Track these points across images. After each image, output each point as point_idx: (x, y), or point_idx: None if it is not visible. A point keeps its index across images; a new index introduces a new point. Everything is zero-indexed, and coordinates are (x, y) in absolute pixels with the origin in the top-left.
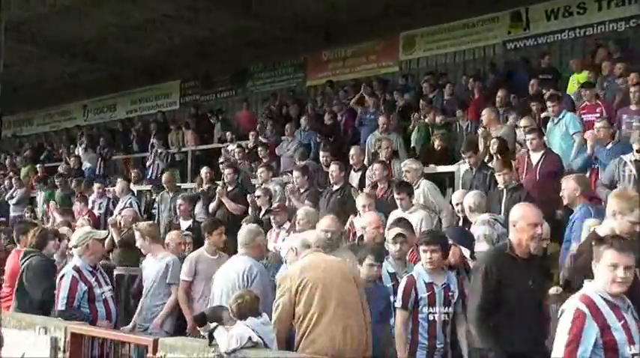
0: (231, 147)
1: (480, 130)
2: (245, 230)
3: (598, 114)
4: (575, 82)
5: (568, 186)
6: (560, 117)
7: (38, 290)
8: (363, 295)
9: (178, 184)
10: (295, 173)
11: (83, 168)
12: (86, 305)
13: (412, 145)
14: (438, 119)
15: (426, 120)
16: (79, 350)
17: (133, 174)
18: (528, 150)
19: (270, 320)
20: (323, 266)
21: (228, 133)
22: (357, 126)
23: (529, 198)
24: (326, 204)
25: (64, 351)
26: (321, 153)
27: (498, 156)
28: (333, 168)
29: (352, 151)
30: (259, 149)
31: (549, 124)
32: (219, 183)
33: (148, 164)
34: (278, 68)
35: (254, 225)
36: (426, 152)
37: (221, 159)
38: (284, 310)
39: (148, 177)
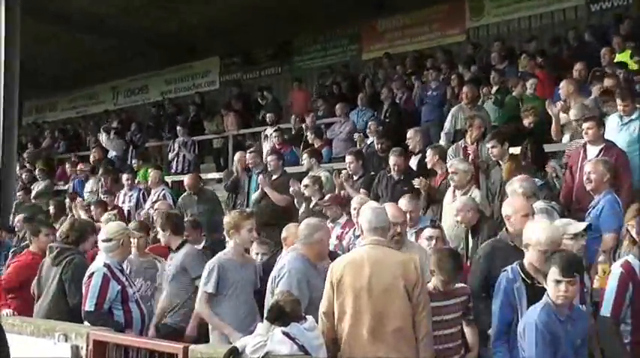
0: (270, 131)
1: (559, 104)
2: (303, 224)
3: None
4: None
5: (597, 170)
6: (633, 117)
7: (79, 295)
8: (422, 302)
9: (214, 177)
10: (348, 158)
11: (109, 156)
12: (119, 306)
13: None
14: (529, 90)
15: (515, 93)
16: None
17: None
18: (585, 143)
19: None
20: (369, 265)
21: (268, 115)
22: (417, 105)
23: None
24: (386, 193)
25: None
26: (376, 140)
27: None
28: (393, 160)
29: (410, 135)
30: (309, 133)
31: (613, 121)
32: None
33: (171, 156)
34: (329, 40)
35: (315, 219)
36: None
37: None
38: (329, 303)
39: (173, 171)
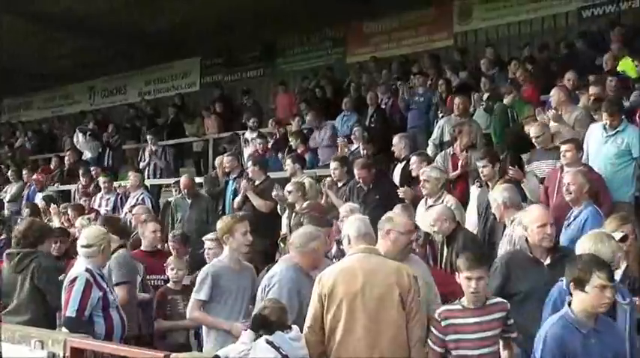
0: (250, 135)
1: (551, 113)
2: (299, 232)
3: None
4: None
5: (576, 181)
6: (620, 129)
7: (58, 298)
8: (414, 309)
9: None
10: (333, 164)
11: (84, 158)
12: (100, 313)
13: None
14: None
15: (505, 101)
16: None
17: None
18: (562, 165)
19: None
20: (362, 274)
21: (251, 119)
22: (404, 111)
23: None
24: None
25: None
26: (361, 146)
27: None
28: (356, 173)
29: (395, 141)
30: (292, 138)
31: (597, 132)
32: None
33: (142, 166)
34: (313, 43)
35: (311, 228)
36: (515, 140)
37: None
38: (315, 317)
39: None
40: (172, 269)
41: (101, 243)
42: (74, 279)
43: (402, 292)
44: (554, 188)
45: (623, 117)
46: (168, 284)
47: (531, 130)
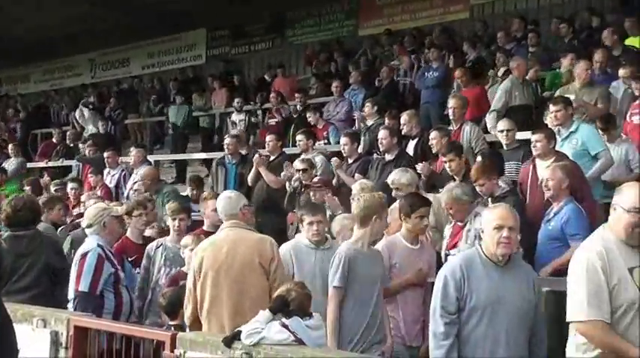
0: (237, 117)
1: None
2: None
3: None
4: None
5: (555, 176)
6: (573, 129)
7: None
8: (278, 278)
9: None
10: (343, 139)
11: (85, 134)
12: (111, 289)
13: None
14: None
15: (528, 76)
16: (83, 347)
17: None
18: (534, 157)
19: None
20: (227, 245)
21: (236, 100)
22: (417, 86)
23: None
24: (377, 176)
25: (67, 348)
26: (376, 121)
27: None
28: (383, 134)
29: (404, 119)
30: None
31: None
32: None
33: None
34: (324, 14)
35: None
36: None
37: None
38: (189, 289)
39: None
40: None
41: (100, 220)
42: (85, 254)
43: (262, 261)
44: (527, 185)
45: (573, 116)
46: None
47: (499, 124)
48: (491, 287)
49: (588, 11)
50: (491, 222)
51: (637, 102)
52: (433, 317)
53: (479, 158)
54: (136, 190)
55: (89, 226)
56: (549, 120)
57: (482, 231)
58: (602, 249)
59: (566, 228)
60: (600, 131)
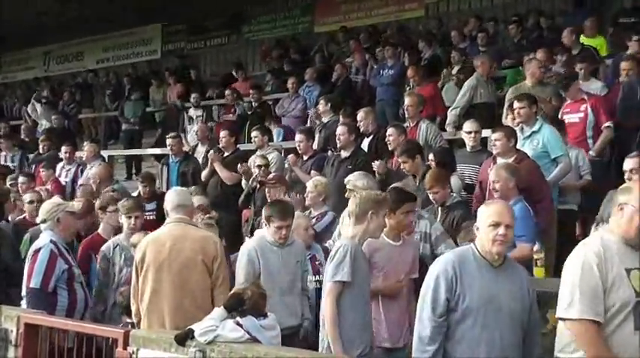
0: (195, 112)
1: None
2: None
3: (582, 115)
4: None
5: (501, 177)
6: (535, 129)
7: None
8: (220, 276)
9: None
10: (298, 136)
11: (39, 129)
12: (64, 286)
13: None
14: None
15: (477, 74)
16: (34, 345)
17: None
18: (494, 156)
19: None
20: (170, 242)
21: (193, 95)
22: (372, 84)
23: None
24: (334, 173)
25: (17, 346)
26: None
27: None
28: (341, 131)
29: (361, 116)
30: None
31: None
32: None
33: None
34: (281, 10)
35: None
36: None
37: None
38: (133, 284)
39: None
40: None
41: (54, 215)
42: (38, 250)
43: (206, 259)
44: (487, 182)
45: (538, 117)
46: None
47: (465, 125)
48: (484, 287)
49: (537, 13)
50: (487, 218)
51: (568, 102)
52: (419, 318)
53: (433, 164)
54: (81, 185)
55: (43, 221)
56: (509, 119)
57: (477, 228)
58: (600, 248)
59: (515, 229)
60: None
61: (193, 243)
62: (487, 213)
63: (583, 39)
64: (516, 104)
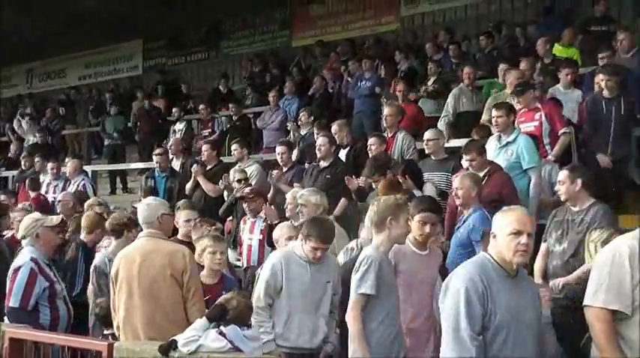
0: (178, 126)
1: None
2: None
3: (537, 123)
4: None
5: (463, 186)
6: (510, 140)
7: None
8: (192, 289)
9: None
10: (280, 148)
11: (25, 144)
12: (46, 304)
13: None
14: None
15: (462, 84)
16: None
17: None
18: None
19: None
20: (140, 257)
21: (174, 109)
22: (350, 96)
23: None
24: (312, 183)
25: None
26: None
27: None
28: (322, 142)
29: (335, 129)
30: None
31: (493, 144)
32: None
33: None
34: (259, 25)
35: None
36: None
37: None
38: (112, 298)
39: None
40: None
41: (33, 231)
42: (18, 268)
43: (174, 273)
44: None
45: (516, 127)
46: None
47: (425, 134)
48: (510, 300)
49: (509, 24)
50: (507, 226)
51: (521, 111)
52: (456, 339)
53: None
54: (60, 201)
55: (23, 238)
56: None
57: (494, 236)
58: (633, 242)
59: (472, 235)
60: None
61: (162, 258)
62: (506, 221)
63: (557, 48)
64: (494, 113)
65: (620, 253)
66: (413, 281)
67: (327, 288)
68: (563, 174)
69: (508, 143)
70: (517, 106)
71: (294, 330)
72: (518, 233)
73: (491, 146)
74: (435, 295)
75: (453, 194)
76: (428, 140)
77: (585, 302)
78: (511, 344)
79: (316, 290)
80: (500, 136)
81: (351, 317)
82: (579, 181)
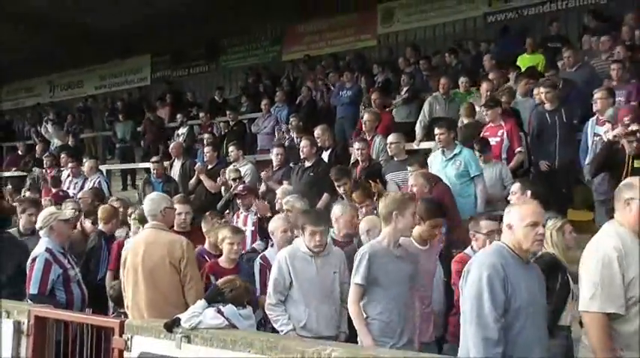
0: (181, 130)
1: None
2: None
3: (499, 139)
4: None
5: (417, 183)
6: (457, 152)
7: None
8: (188, 275)
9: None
10: (277, 149)
11: (51, 147)
12: (62, 288)
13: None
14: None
15: (437, 93)
16: (43, 334)
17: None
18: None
19: None
20: (144, 246)
21: (178, 115)
22: (332, 104)
23: None
24: (298, 180)
25: (28, 335)
26: (295, 134)
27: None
28: (304, 144)
29: (318, 132)
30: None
31: (437, 158)
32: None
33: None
34: (253, 41)
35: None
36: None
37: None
38: (123, 284)
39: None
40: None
41: (48, 223)
42: (34, 259)
43: (173, 261)
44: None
45: (457, 141)
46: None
47: (389, 138)
48: (527, 285)
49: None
50: (525, 218)
51: (488, 125)
52: (479, 323)
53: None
54: (80, 198)
55: (40, 229)
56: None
57: (510, 227)
58: (618, 242)
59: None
60: (478, 153)
61: (162, 248)
62: (523, 213)
63: (524, 57)
64: (437, 130)
65: (609, 256)
66: None
67: (335, 278)
68: (515, 186)
69: (455, 155)
70: (486, 119)
71: (313, 320)
72: (535, 224)
73: (437, 160)
74: (436, 286)
75: (408, 190)
76: (391, 143)
77: (581, 307)
78: (529, 326)
79: (324, 281)
80: (443, 151)
81: (350, 303)
82: (529, 192)
